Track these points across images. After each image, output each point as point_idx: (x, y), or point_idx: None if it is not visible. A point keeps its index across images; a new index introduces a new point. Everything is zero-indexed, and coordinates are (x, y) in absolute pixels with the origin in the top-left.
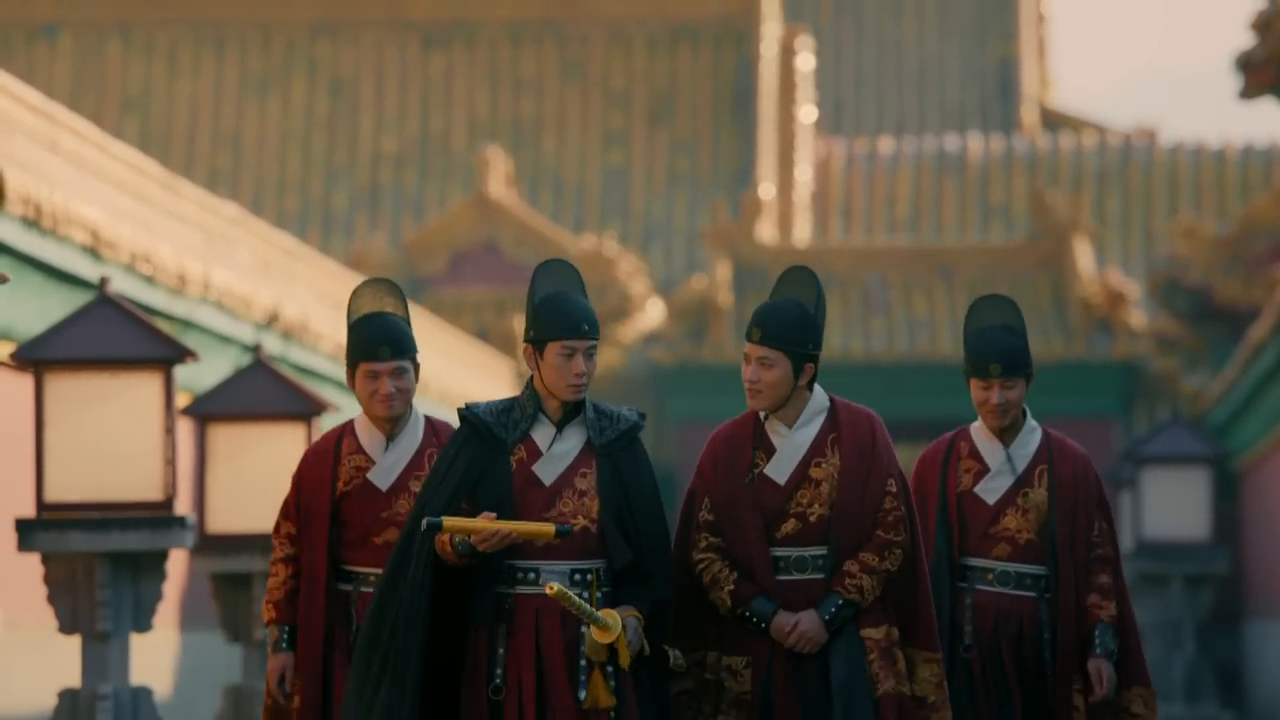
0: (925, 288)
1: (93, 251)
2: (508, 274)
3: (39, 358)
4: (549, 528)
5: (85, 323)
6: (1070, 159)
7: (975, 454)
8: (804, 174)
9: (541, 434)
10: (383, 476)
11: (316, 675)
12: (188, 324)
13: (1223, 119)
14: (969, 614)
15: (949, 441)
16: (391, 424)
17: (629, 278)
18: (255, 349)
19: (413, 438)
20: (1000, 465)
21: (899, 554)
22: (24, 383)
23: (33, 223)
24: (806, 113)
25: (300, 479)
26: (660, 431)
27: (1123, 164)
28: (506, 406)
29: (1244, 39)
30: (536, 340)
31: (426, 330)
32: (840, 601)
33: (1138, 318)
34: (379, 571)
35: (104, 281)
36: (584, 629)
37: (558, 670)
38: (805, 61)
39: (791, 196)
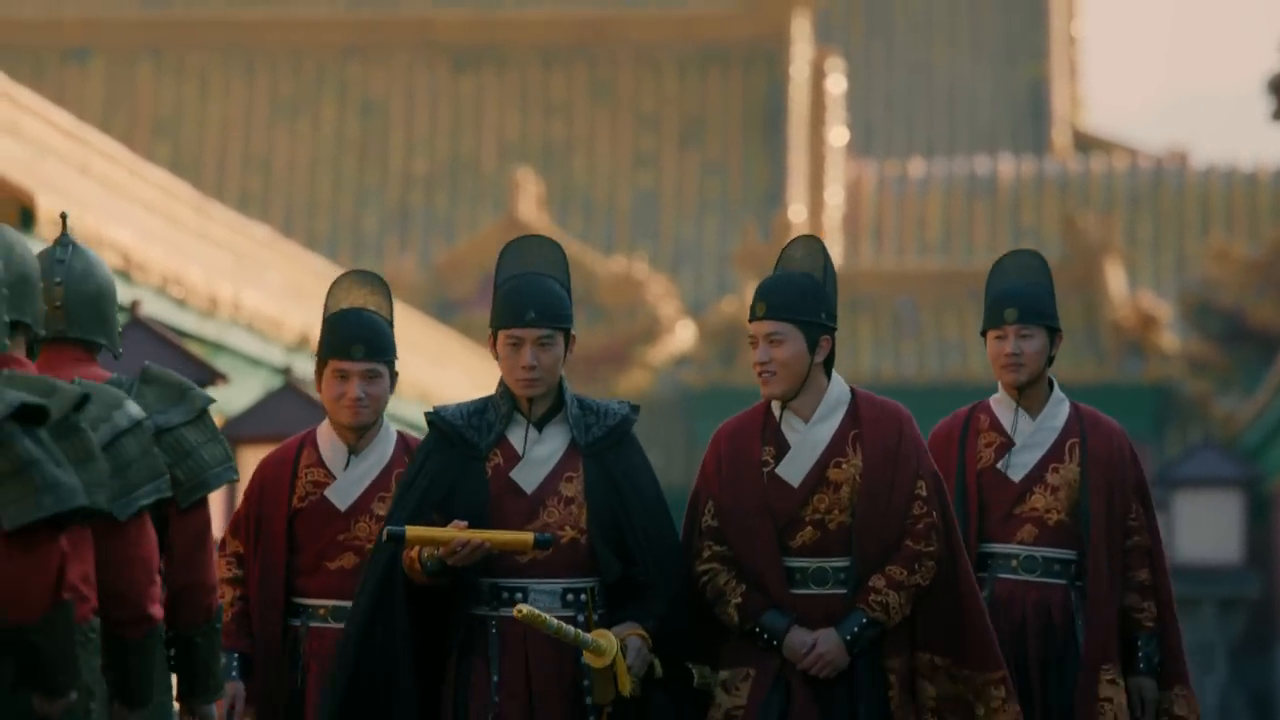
0: (956, 310)
1: (124, 274)
2: None
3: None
4: (526, 537)
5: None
6: (1101, 181)
7: (996, 426)
8: (834, 196)
9: (518, 436)
10: (342, 494)
11: (277, 711)
12: (218, 346)
13: (1255, 141)
14: (988, 607)
15: (966, 414)
16: (357, 434)
17: (659, 300)
18: (286, 371)
19: (381, 453)
20: (1026, 438)
21: (931, 566)
22: None
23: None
24: (837, 135)
25: (254, 491)
26: (690, 454)
27: (1154, 186)
28: (479, 407)
29: (1276, 61)
30: (492, 328)
31: (455, 352)
32: (864, 620)
33: (1169, 340)
34: (333, 603)
35: (135, 304)
36: (586, 679)
37: (554, 711)
38: (836, 84)
39: (822, 219)
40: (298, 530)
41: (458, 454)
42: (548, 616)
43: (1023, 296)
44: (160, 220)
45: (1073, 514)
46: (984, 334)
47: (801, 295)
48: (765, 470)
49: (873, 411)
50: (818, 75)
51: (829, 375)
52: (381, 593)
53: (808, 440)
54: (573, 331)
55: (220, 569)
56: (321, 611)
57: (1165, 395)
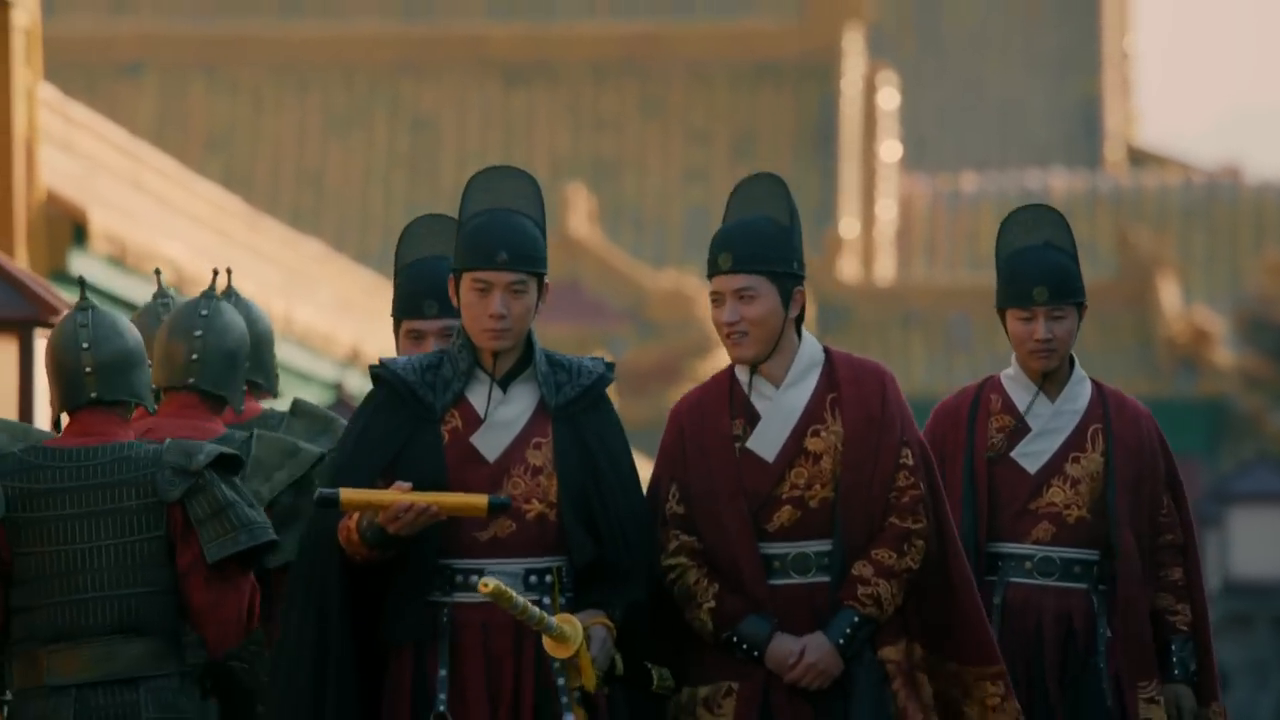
0: None
1: (176, 289)
2: (590, 312)
3: None
4: (480, 499)
5: None
6: (1155, 196)
7: (1010, 408)
8: (886, 211)
9: (479, 395)
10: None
11: None
12: None
13: None
14: (998, 615)
15: (975, 392)
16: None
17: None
18: (337, 387)
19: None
20: (1043, 422)
21: (920, 546)
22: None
23: (116, 260)
24: (888, 149)
25: None
26: None
27: (1208, 201)
28: (434, 361)
29: None
30: (454, 271)
31: None
32: (855, 619)
33: (1223, 355)
34: None
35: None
36: (557, 662)
37: (519, 710)
38: (887, 98)
39: (873, 233)
40: None
41: (409, 414)
42: (515, 594)
43: (1051, 269)
44: (212, 235)
45: (1096, 510)
46: (1001, 310)
47: (771, 243)
48: (736, 446)
49: (851, 372)
50: (869, 90)
51: (800, 334)
52: (312, 574)
53: (780, 407)
54: (546, 279)
55: None
56: None
57: (1219, 410)
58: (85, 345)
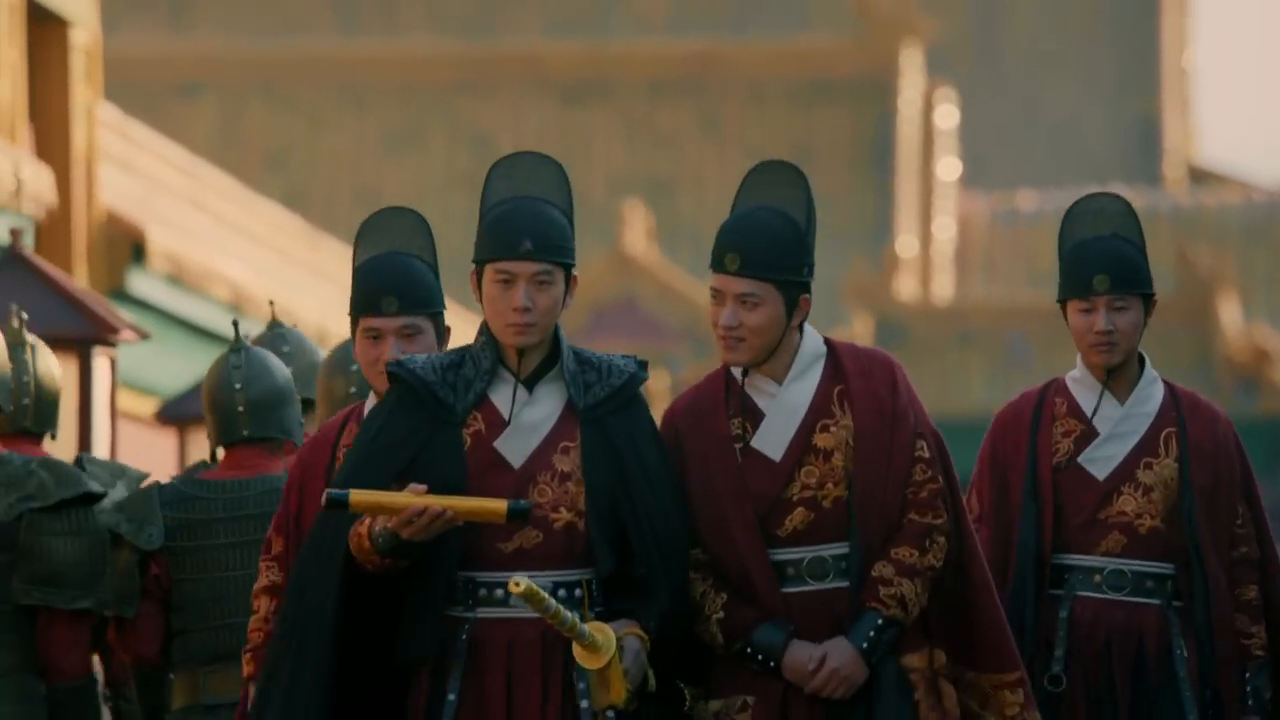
0: (1066, 344)
1: (235, 308)
2: (647, 330)
3: (182, 415)
4: (498, 504)
5: None
6: (1215, 214)
7: (1076, 411)
8: (943, 228)
9: (503, 395)
10: None
11: None
12: None
13: None
14: (1064, 631)
15: (1038, 396)
16: None
17: None
18: None
19: None
20: (1112, 426)
21: (942, 543)
22: (169, 439)
23: (175, 280)
24: (945, 167)
25: (293, 481)
26: None
27: (1268, 219)
28: (455, 360)
29: None
30: (476, 263)
31: None
32: (879, 621)
33: None
34: None
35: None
36: (581, 683)
37: None
38: (945, 116)
39: (930, 252)
40: None
41: (427, 416)
42: (547, 595)
43: (1114, 258)
44: (271, 254)
45: (1170, 520)
46: (1062, 302)
47: (784, 248)
48: (738, 446)
49: (858, 363)
50: (927, 108)
51: (802, 330)
52: (304, 588)
53: (784, 403)
54: (574, 272)
55: (260, 574)
56: None
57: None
58: (238, 386)
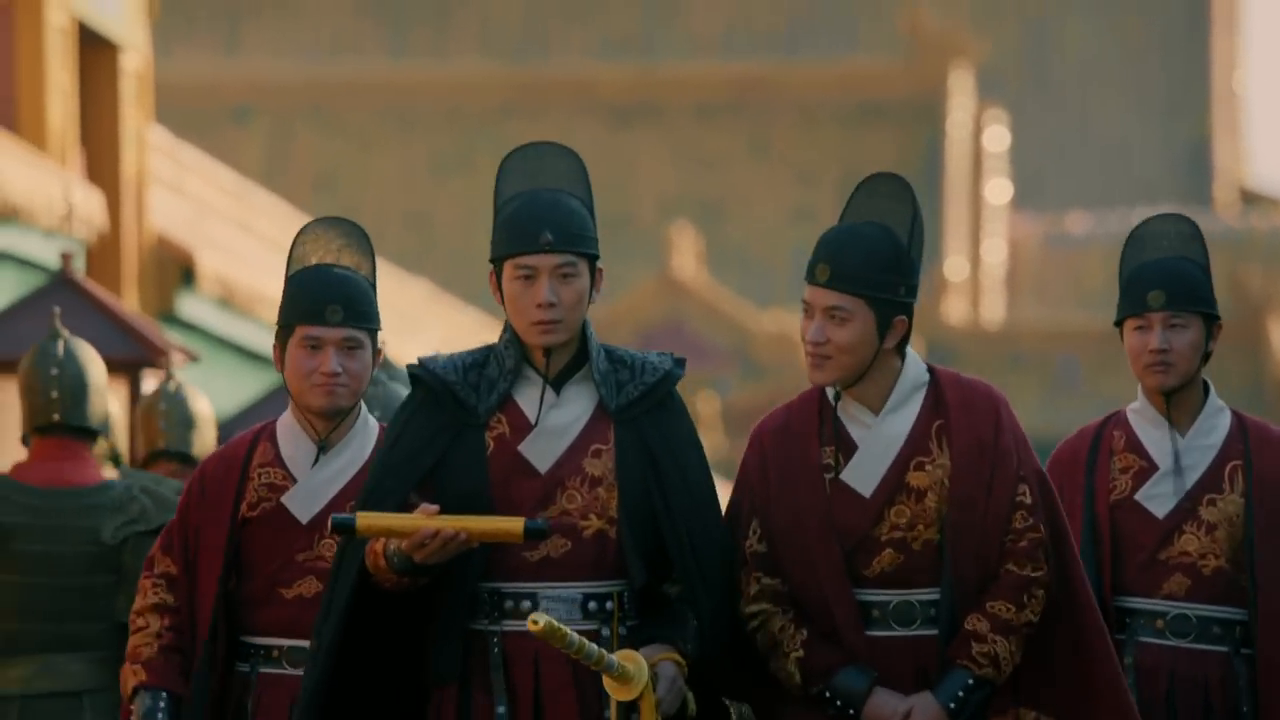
0: (1117, 367)
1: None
2: (694, 353)
3: (232, 437)
4: (514, 524)
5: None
6: (1266, 237)
7: (1135, 445)
8: (993, 251)
9: (529, 397)
10: (304, 501)
11: None
12: None
13: None
14: (1130, 678)
15: (1096, 429)
16: (328, 423)
17: None
18: None
19: (358, 451)
20: (1174, 460)
21: (1041, 597)
22: None
23: (225, 303)
24: (995, 189)
25: (192, 497)
26: None
27: None
28: (478, 359)
29: None
30: (494, 261)
31: None
32: (970, 681)
33: None
34: (289, 642)
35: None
36: (606, 711)
37: None
38: (995, 138)
39: (980, 274)
40: (246, 547)
41: (449, 419)
42: (569, 631)
43: (1171, 275)
44: None
45: (1236, 560)
46: (1119, 324)
47: (879, 261)
48: (827, 477)
49: (960, 395)
50: (977, 130)
51: (903, 356)
52: (352, 614)
53: (879, 435)
54: (599, 264)
55: (144, 593)
56: (275, 653)
57: None
58: (378, 414)
